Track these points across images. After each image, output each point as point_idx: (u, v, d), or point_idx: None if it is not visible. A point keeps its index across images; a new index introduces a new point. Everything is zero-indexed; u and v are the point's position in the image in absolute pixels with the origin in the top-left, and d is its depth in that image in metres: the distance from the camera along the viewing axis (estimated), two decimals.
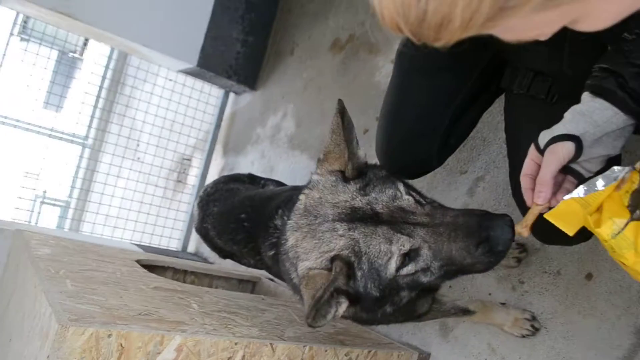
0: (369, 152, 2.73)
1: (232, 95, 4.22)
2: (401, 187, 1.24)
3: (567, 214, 1.05)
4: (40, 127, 5.36)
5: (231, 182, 2.24)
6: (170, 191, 4.63)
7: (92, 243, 2.47)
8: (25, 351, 1.47)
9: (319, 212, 1.23)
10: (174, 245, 4.16)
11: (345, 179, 1.26)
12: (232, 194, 2.04)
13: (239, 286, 2.67)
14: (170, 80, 4.45)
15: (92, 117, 5.70)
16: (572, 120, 1.09)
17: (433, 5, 0.64)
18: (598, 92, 1.09)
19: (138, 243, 3.94)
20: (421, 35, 0.69)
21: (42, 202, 6.40)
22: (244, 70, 3.88)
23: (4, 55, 4.92)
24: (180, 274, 2.53)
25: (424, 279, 1.21)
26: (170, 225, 4.22)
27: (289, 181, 3.13)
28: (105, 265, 1.98)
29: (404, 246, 1.16)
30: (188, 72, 3.95)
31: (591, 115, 1.07)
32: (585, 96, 1.11)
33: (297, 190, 1.82)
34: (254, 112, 3.88)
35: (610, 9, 0.71)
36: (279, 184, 2.42)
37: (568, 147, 1.07)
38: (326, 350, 1.60)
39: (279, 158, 3.42)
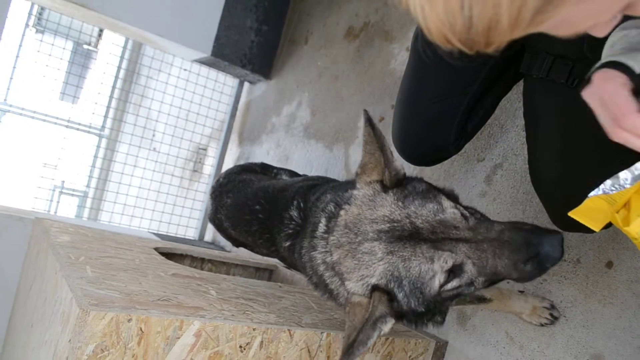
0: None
1: (246, 85, 4.22)
2: (444, 200, 1.20)
3: (592, 211, 1.01)
4: (57, 118, 5.42)
5: (244, 173, 2.24)
6: (186, 181, 4.66)
7: (110, 231, 2.49)
8: (46, 336, 1.49)
9: (359, 230, 1.20)
10: (191, 234, 4.20)
11: (384, 188, 1.23)
12: (245, 185, 2.04)
13: (256, 274, 2.69)
14: (185, 70, 4.46)
15: (108, 107, 5.75)
16: None
17: (477, 9, 0.62)
18: None
19: (155, 232, 3.98)
20: (472, 44, 0.66)
21: (61, 192, 6.48)
22: (258, 60, 3.88)
23: (20, 46, 4.98)
24: (198, 262, 2.55)
25: (467, 291, 1.19)
26: (187, 214, 4.25)
27: (305, 170, 3.13)
28: (124, 252, 2.00)
29: (446, 263, 1.13)
30: (202, 62, 3.96)
31: None
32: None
33: (309, 180, 1.82)
34: (269, 101, 3.87)
35: None
36: (292, 173, 2.42)
37: None
38: (343, 337, 1.60)
39: (295, 147, 3.42)
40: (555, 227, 1.12)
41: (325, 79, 3.32)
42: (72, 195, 6.71)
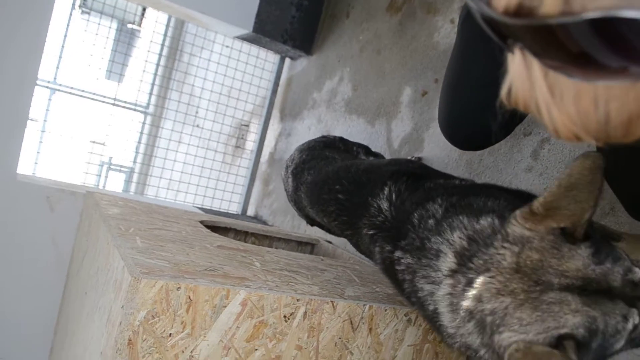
0: (426, 115, 2.69)
1: (288, 61, 4.23)
2: (628, 260, 1.09)
3: None
4: (104, 96, 5.57)
5: (326, 149, 2.13)
6: (229, 156, 4.73)
7: (157, 205, 2.57)
8: (100, 302, 1.56)
9: (540, 279, 1.05)
10: (234, 208, 4.27)
11: (571, 240, 1.06)
12: (327, 163, 1.95)
13: (298, 248, 2.72)
14: (227, 46, 4.50)
15: (153, 85, 5.86)
16: None
17: (615, 105, 0.55)
18: None
19: (200, 206, 4.07)
20: (607, 138, 0.60)
21: (109, 168, 6.69)
22: (299, 35, 3.87)
23: (68, 27, 5.12)
24: (242, 235, 2.60)
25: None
26: (230, 189, 4.33)
27: None
28: (171, 224, 2.06)
29: (635, 320, 1.05)
30: (244, 38, 3.98)
31: None
32: None
33: (399, 164, 1.73)
34: (310, 77, 3.87)
35: None
36: (367, 150, 2.31)
37: None
38: (386, 310, 1.62)
39: (336, 122, 3.41)
40: None
41: (366, 53, 3.29)
42: (120, 171, 6.92)
